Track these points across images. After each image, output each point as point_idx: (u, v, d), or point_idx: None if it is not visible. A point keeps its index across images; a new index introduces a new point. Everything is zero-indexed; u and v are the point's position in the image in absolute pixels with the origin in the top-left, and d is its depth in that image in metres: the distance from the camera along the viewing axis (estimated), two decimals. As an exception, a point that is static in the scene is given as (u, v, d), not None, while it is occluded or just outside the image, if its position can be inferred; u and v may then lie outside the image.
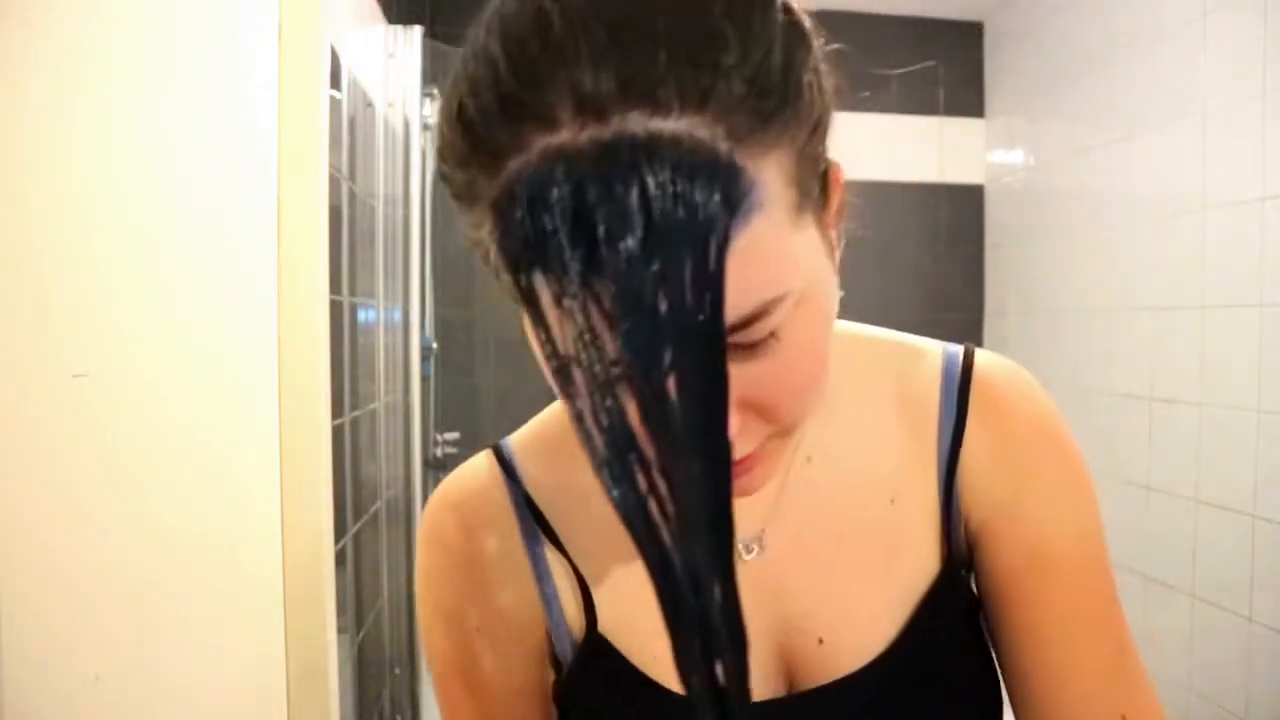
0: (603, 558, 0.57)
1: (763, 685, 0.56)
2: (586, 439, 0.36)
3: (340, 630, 1.48)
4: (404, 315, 1.95)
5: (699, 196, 0.34)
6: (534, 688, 0.60)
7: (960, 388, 0.57)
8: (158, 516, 1.07)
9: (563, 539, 0.58)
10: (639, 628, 0.56)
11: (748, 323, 0.39)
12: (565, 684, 0.59)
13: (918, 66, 2.85)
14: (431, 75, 1.95)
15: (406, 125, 1.92)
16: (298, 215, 1.22)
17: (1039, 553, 0.55)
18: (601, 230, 0.33)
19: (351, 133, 1.67)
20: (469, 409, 2.56)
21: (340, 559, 1.52)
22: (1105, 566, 0.57)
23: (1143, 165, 2.19)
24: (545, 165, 0.34)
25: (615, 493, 0.36)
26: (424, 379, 2.01)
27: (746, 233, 0.36)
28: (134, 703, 1.07)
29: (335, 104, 1.48)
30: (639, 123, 0.34)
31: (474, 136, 0.37)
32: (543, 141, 0.35)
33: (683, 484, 0.35)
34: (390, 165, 1.93)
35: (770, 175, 0.37)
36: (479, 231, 0.39)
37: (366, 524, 1.81)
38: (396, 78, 1.92)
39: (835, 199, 0.46)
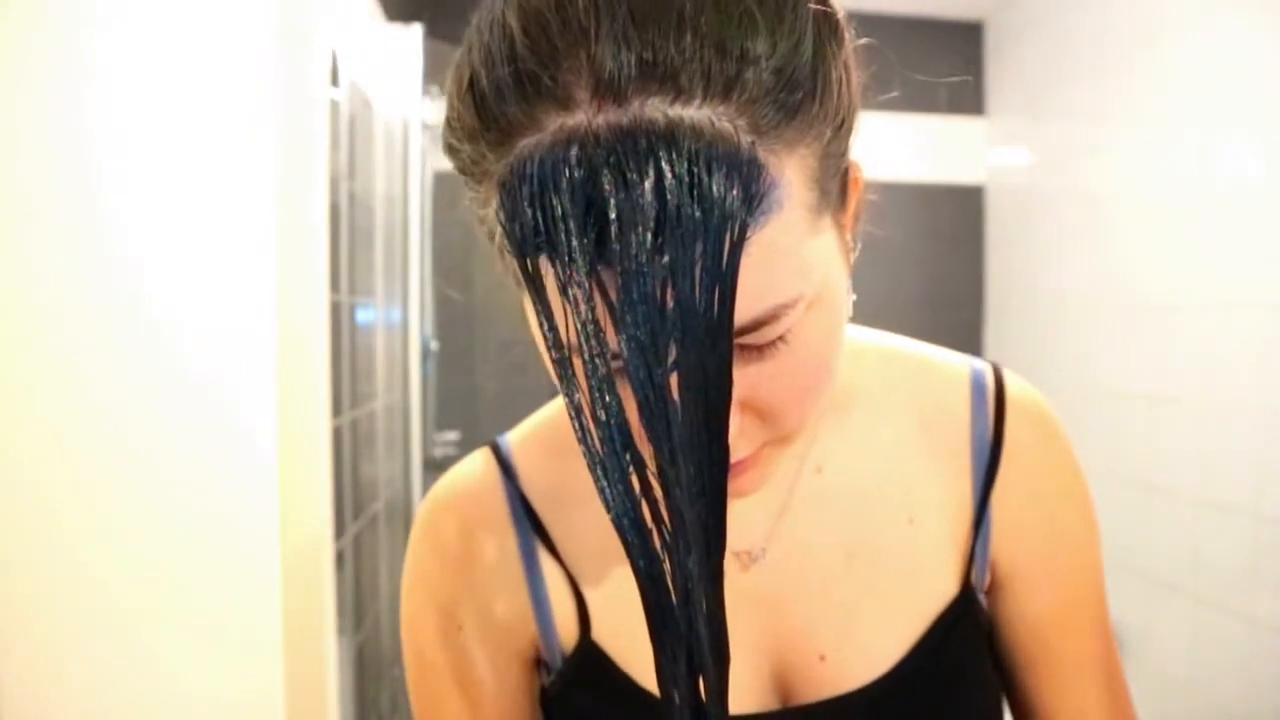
0: (598, 562, 0.56)
1: (756, 698, 0.54)
2: (583, 434, 0.35)
3: (339, 631, 1.48)
4: (403, 315, 1.94)
5: (717, 191, 0.32)
6: (522, 692, 0.58)
7: (995, 413, 0.56)
8: (155, 517, 1.07)
9: (557, 541, 0.57)
10: (635, 636, 0.54)
11: (756, 326, 0.37)
12: (553, 691, 0.58)
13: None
14: (431, 74, 1.94)
15: (405, 124, 1.92)
16: (297, 215, 1.21)
17: (1067, 608, 0.56)
18: (613, 218, 0.32)
19: (351, 132, 1.67)
20: (468, 408, 2.55)
21: (339, 559, 1.51)
22: (1107, 609, 0.58)
23: (1144, 164, 2.19)
24: (558, 147, 0.33)
25: (608, 493, 0.35)
26: (423, 379, 2.01)
27: (763, 233, 0.35)
28: (132, 704, 1.07)
29: (334, 103, 1.48)
30: (659, 108, 0.33)
31: (485, 111, 0.35)
32: (557, 121, 0.34)
33: (678, 488, 0.34)
34: (389, 164, 1.93)
35: (791, 174, 0.36)
36: (484, 209, 0.38)
37: (366, 524, 1.81)
38: (396, 76, 1.91)
39: (854, 200, 0.45)
